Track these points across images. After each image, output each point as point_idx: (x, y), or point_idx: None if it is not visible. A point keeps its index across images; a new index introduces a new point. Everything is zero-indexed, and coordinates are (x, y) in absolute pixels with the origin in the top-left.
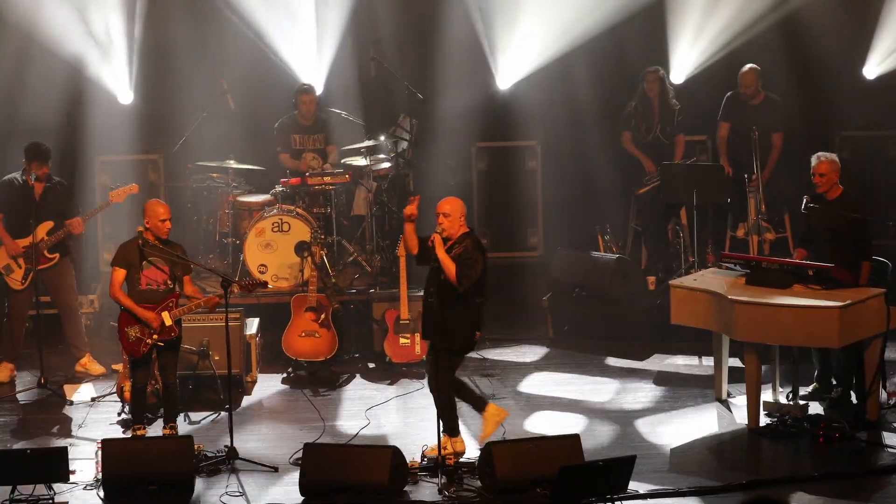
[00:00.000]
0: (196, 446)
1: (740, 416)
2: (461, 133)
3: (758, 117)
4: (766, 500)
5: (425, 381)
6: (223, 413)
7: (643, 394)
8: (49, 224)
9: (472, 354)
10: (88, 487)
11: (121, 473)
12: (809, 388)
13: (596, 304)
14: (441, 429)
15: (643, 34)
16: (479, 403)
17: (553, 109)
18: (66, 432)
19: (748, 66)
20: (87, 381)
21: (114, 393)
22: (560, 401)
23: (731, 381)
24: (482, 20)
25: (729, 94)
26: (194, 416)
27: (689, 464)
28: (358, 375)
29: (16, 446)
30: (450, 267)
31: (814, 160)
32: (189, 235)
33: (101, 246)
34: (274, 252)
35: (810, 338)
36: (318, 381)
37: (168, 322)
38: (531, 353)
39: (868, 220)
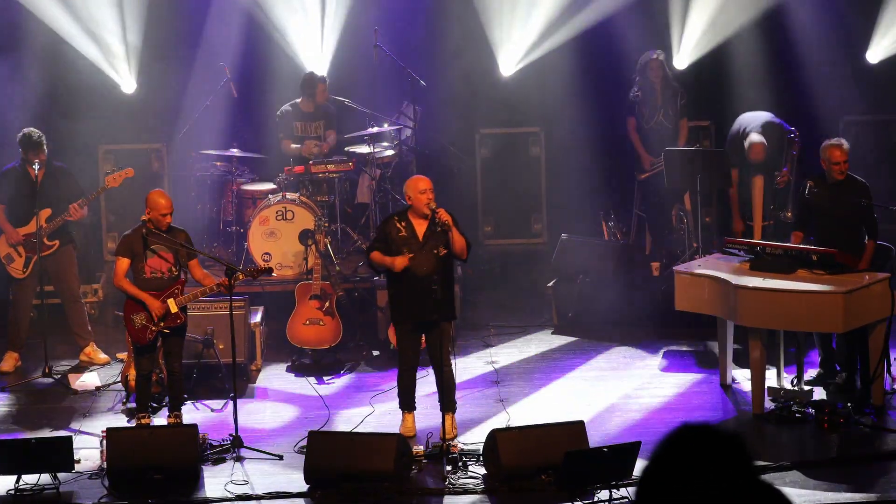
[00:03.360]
0: (201, 435)
1: (745, 402)
2: (464, 120)
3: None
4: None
5: (430, 369)
6: (228, 402)
7: (647, 380)
8: (48, 211)
9: (477, 342)
10: (93, 476)
11: (126, 462)
12: (814, 374)
13: (600, 290)
14: (449, 409)
15: (647, 19)
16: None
17: (556, 96)
18: (71, 421)
19: (755, 139)
20: (91, 370)
21: (118, 382)
22: (564, 388)
23: (736, 366)
24: (484, 5)
25: (729, 137)
26: (199, 404)
27: None
28: (362, 363)
29: (20, 436)
30: (461, 241)
31: (832, 150)
32: (193, 224)
33: (105, 235)
34: (278, 240)
35: (815, 323)
36: (322, 368)
37: (174, 309)
38: (536, 340)
39: (874, 204)
